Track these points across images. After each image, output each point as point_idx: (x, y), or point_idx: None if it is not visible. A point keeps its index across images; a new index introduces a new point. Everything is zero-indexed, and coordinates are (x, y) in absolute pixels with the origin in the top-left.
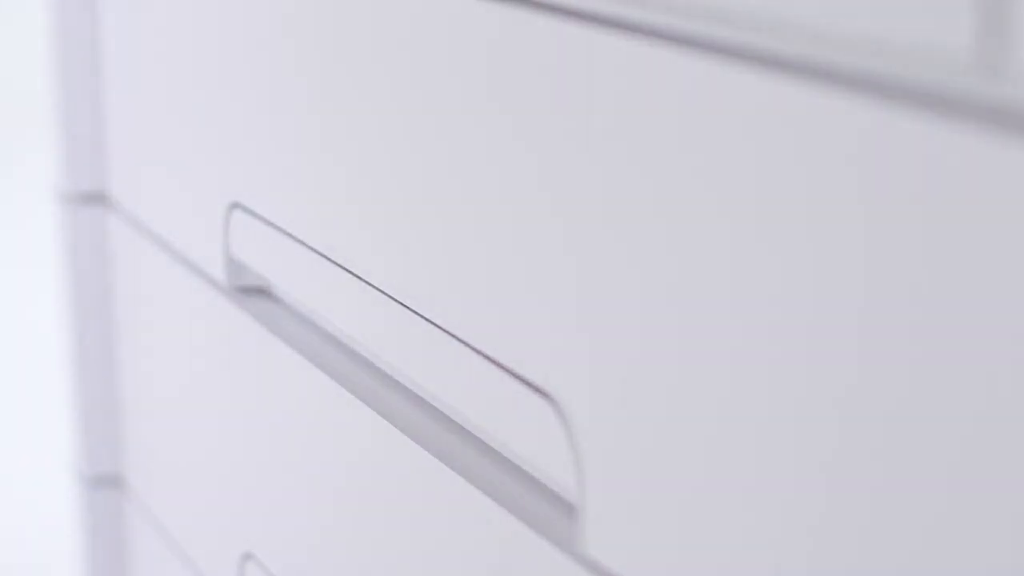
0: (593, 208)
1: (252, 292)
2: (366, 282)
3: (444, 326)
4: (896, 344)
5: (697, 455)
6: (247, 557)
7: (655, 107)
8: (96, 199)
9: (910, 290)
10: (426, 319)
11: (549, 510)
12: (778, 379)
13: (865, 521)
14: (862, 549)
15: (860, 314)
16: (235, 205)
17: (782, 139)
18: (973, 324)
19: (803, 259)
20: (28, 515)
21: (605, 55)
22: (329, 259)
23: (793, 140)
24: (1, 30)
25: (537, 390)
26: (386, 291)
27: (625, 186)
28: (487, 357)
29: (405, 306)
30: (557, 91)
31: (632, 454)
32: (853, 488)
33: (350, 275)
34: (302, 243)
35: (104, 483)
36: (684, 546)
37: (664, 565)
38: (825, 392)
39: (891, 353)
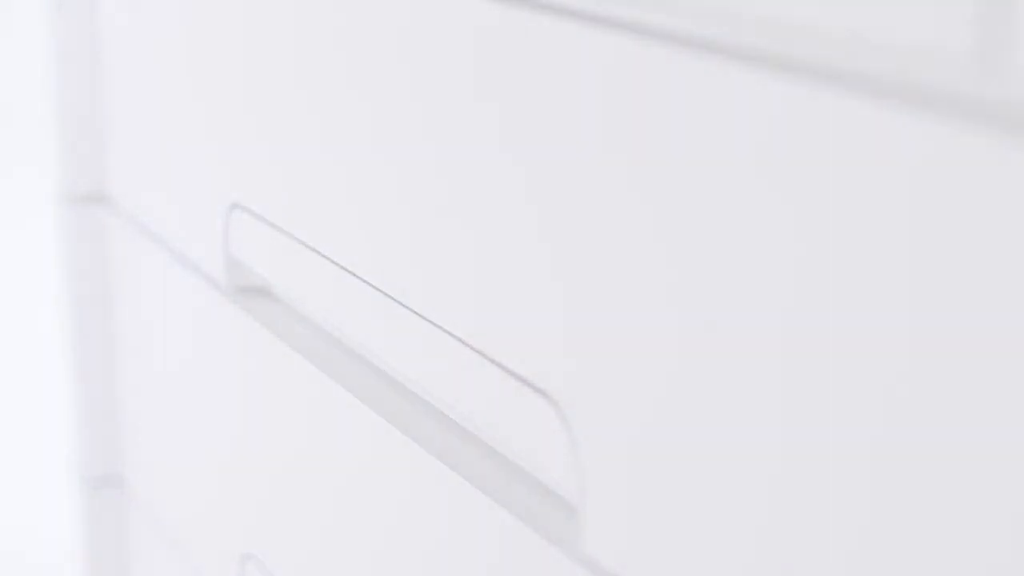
0: (594, 209)
1: (252, 292)
2: (366, 282)
3: (444, 326)
4: (896, 344)
5: (697, 455)
6: (247, 557)
7: (655, 107)
8: (96, 199)
9: (909, 290)
10: (426, 319)
11: (549, 510)
12: (778, 379)
13: (866, 521)
14: (862, 549)
15: (860, 314)
16: (235, 205)
17: (782, 139)
18: (973, 324)
19: (802, 259)
20: (28, 515)
21: (608, 55)
22: (329, 259)
23: (793, 140)
24: (1, 30)
25: (537, 390)
26: (386, 291)
27: (626, 187)
28: (487, 357)
29: (405, 306)
30: (559, 92)
31: (632, 454)
32: (854, 488)
33: (351, 275)
34: (302, 243)
35: (104, 483)
36: (684, 546)
37: (664, 565)
38: (824, 392)
39: (891, 353)
